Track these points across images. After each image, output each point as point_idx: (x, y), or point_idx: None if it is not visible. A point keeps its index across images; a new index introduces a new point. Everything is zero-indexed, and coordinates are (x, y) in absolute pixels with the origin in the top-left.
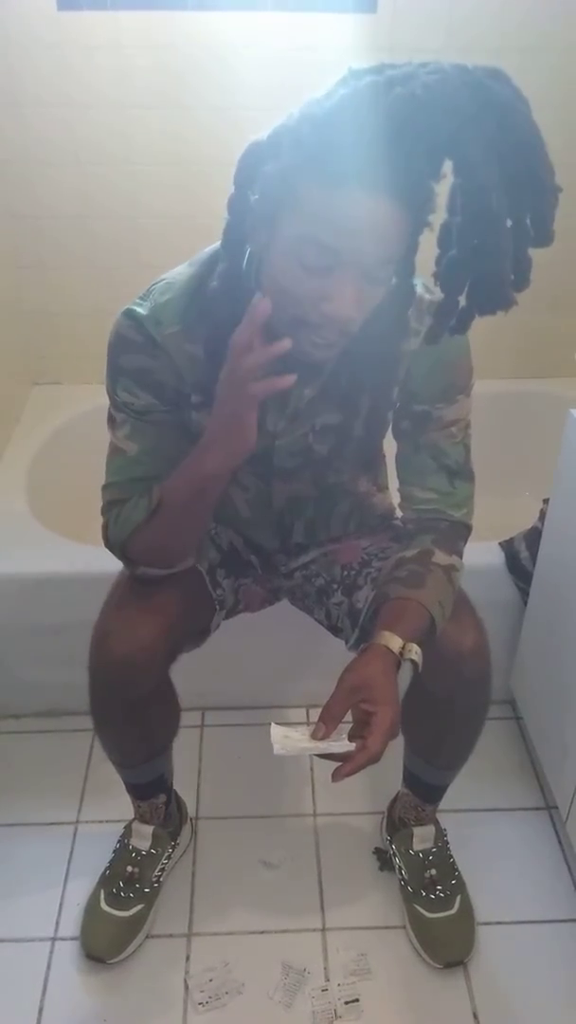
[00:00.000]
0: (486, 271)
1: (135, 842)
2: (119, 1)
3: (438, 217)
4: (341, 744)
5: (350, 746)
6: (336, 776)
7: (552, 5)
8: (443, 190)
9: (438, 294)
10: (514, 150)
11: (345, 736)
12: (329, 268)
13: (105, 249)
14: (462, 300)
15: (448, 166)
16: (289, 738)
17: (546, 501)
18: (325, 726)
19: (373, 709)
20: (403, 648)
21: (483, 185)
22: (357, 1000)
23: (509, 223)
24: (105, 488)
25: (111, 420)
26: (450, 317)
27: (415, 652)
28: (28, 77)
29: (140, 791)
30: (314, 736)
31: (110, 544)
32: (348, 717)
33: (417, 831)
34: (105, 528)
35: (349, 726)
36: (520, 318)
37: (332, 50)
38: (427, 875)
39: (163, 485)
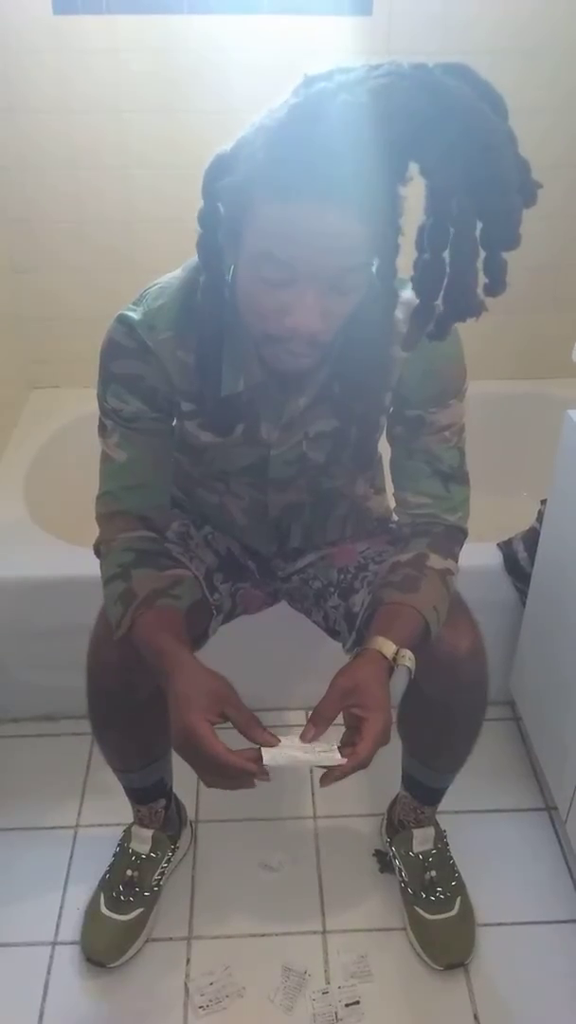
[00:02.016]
0: (456, 275)
1: (135, 846)
2: (114, 5)
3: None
4: (330, 757)
5: (341, 761)
6: (324, 781)
7: (549, 7)
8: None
9: None
10: (476, 150)
11: (336, 744)
12: (287, 281)
13: (101, 253)
14: (439, 305)
15: (416, 169)
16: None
17: (544, 502)
18: (315, 728)
19: (364, 715)
20: (396, 654)
21: (445, 187)
22: (358, 1002)
23: (480, 225)
24: (99, 498)
25: (102, 428)
26: (427, 322)
27: (408, 658)
28: (23, 81)
29: (139, 795)
30: (303, 738)
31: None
32: (339, 720)
33: (417, 833)
34: (96, 550)
35: (341, 729)
36: (519, 319)
37: (328, 53)
38: (427, 877)
39: (139, 628)
